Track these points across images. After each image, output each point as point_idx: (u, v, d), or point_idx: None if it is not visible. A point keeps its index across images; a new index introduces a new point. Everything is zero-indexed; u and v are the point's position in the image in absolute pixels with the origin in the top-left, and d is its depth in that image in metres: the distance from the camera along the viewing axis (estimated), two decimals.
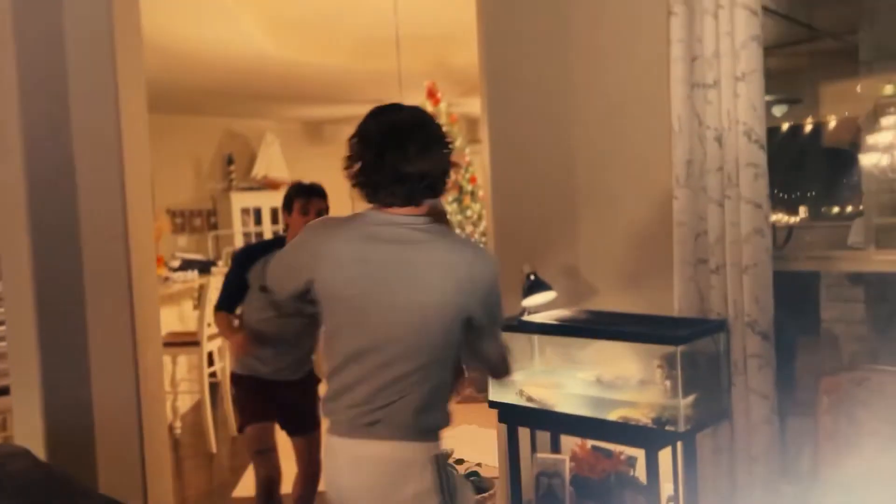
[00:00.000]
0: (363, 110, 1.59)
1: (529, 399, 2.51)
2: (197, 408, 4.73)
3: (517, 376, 2.60)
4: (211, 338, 4.36)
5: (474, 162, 6.11)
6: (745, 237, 2.29)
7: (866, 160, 5.14)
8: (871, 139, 5.16)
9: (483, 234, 5.59)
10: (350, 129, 1.56)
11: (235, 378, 2.86)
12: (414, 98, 6.24)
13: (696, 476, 2.38)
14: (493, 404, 2.63)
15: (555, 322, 2.58)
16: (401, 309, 1.51)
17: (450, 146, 1.57)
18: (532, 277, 2.67)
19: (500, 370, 1.77)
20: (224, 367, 4.62)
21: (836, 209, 5.04)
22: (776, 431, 2.33)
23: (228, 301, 2.76)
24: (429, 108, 6.04)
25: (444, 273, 1.52)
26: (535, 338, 2.69)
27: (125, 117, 2.53)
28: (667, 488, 2.49)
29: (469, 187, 6.17)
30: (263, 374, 2.78)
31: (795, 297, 2.99)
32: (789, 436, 2.50)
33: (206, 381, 4.29)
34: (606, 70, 2.68)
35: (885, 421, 2.05)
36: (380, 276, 1.51)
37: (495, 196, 2.89)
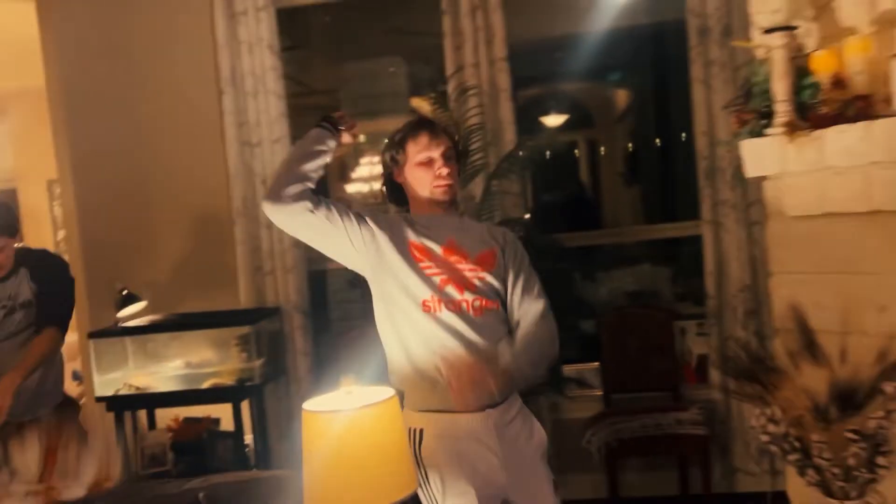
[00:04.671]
0: None
1: (137, 388, 3.21)
2: None
3: (117, 374, 3.28)
4: None
5: None
6: (287, 249, 3.43)
7: (351, 189, 6.96)
8: (354, 174, 7.05)
9: None
10: None
11: None
12: None
13: (266, 419, 3.42)
14: (100, 398, 3.24)
15: (146, 325, 3.34)
16: None
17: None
18: (124, 292, 3.34)
19: None
20: None
21: None
22: (314, 380, 3.52)
23: None
24: None
25: None
26: (129, 341, 3.37)
27: None
28: (247, 439, 3.46)
29: None
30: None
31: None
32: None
33: None
34: (174, 129, 3.52)
35: None
36: None
37: (82, 222, 3.47)
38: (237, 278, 3.48)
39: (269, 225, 3.45)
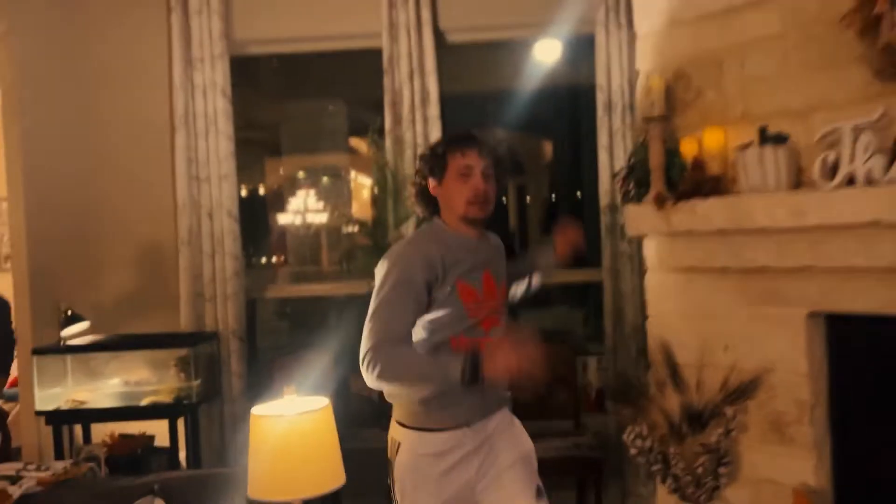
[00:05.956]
0: None
1: (80, 403, 3.46)
2: None
3: (58, 390, 3.51)
4: None
5: None
6: (228, 278, 3.76)
7: (284, 219, 7.31)
8: (290, 206, 7.38)
9: None
10: None
11: None
12: None
13: (200, 436, 3.69)
14: (39, 413, 3.46)
15: (89, 343, 3.59)
16: None
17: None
18: (68, 312, 3.59)
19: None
20: None
21: (264, 259, 6.92)
22: (246, 401, 3.82)
23: None
24: None
25: None
26: (70, 359, 3.61)
27: None
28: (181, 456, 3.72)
29: None
30: None
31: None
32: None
33: None
34: (127, 160, 3.83)
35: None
36: None
37: (31, 243, 3.72)
38: (179, 303, 3.77)
39: (213, 255, 3.78)
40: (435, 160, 1.95)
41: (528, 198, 7.87)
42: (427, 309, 1.87)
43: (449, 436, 1.91)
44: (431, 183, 1.96)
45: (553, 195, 7.63)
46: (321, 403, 2.00)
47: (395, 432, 1.98)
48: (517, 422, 2.07)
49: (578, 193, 6.64)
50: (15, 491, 2.10)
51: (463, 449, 1.92)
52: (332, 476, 1.99)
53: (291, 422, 1.94)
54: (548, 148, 7.78)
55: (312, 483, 1.96)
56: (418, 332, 1.90)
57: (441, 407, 1.88)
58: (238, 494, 2.06)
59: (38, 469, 2.27)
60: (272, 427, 1.95)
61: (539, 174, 7.90)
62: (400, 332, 1.80)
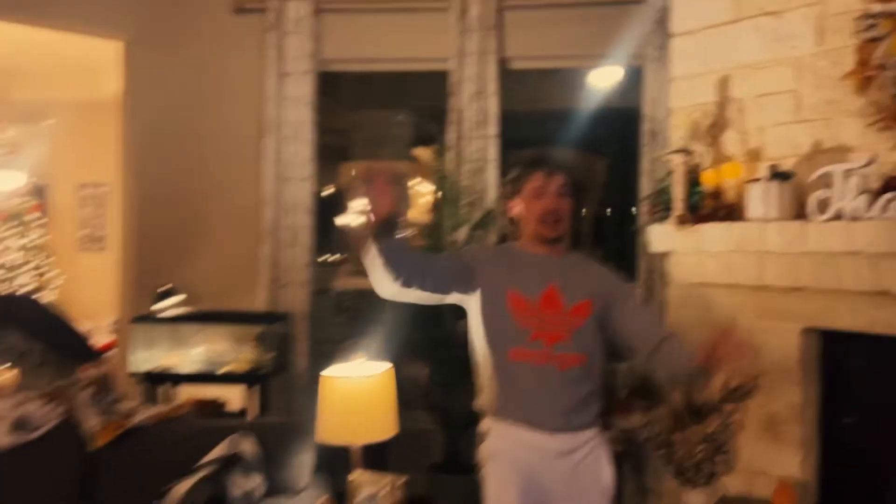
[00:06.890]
0: None
1: (169, 367, 4.05)
2: None
3: (149, 354, 4.09)
4: None
5: None
6: (301, 267, 4.32)
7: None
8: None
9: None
10: None
11: None
12: None
13: (270, 404, 4.24)
14: (133, 374, 4.06)
15: (180, 315, 4.18)
16: None
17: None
18: (165, 287, 4.19)
19: None
20: None
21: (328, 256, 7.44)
22: (310, 377, 4.35)
23: None
24: None
25: None
26: (163, 327, 4.20)
27: None
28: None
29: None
30: None
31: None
32: None
33: None
34: (222, 159, 4.44)
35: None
36: None
37: (138, 226, 4.34)
38: (258, 286, 4.34)
39: (291, 245, 4.34)
40: (512, 182, 2.09)
41: (583, 211, 8.27)
42: (470, 286, 2.03)
43: (532, 434, 1.97)
44: (511, 203, 2.09)
45: (608, 210, 8.01)
46: (382, 368, 2.49)
47: (486, 422, 2.11)
48: (605, 450, 2.12)
49: (633, 210, 7.00)
50: (130, 421, 2.65)
51: (547, 449, 1.98)
52: (387, 428, 2.47)
53: (354, 383, 2.43)
54: (602, 166, 8.16)
55: (369, 432, 2.45)
56: (482, 349, 2.05)
57: (516, 404, 2.00)
58: (309, 440, 2.55)
59: (148, 407, 2.82)
60: (339, 386, 2.44)
61: (594, 190, 8.29)
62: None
